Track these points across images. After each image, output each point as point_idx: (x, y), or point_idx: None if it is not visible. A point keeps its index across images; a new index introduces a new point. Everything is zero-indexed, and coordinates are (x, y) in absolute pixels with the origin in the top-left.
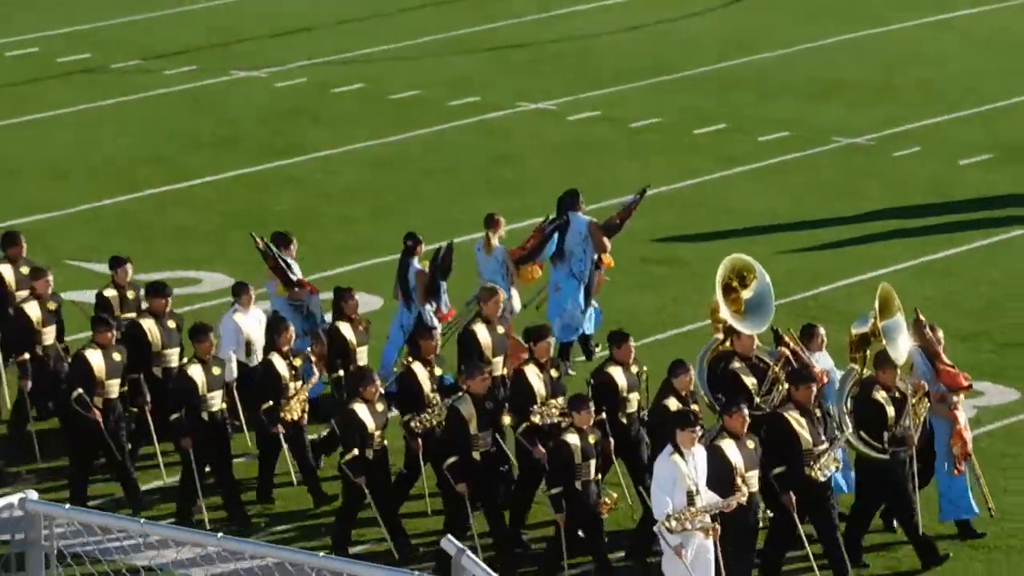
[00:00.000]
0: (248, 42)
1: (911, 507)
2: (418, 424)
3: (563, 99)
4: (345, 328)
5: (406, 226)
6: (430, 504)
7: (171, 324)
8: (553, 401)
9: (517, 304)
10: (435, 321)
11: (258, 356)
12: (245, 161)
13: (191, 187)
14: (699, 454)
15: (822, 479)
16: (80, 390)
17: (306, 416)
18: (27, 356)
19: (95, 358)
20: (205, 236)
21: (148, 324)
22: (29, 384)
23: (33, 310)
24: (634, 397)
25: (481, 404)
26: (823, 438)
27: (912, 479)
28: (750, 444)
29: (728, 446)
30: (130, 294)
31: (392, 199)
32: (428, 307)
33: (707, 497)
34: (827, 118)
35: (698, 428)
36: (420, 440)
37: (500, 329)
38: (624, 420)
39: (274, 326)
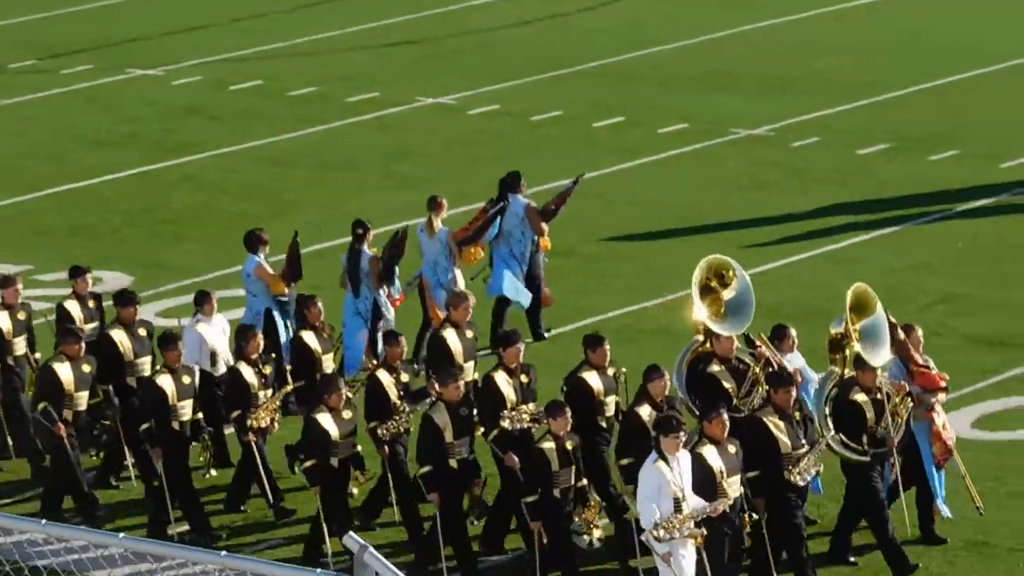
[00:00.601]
0: (144, 41)
1: (882, 511)
2: (384, 432)
3: (462, 94)
4: (309, 336)
5: (303, 222)
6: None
7: (141, 332)
8: (524, 407)
9: (461, 283)
10: (390, 307)
11: (223, 366)
12: (143, 159)
13: (89, 185)
14: (683, 459)
15: (802, 483)
16: (45, 403)
17: (275, 425)
18: None
19: (63, 371)
20: (103, 235)
21: (118, 335)
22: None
23: (3, 320)
24: (611, 400)
25: (456, 411)
26: (803, 441)
27: (895, 483)
28: (731, 449)
29: (709, 452)
30: (91, 303)
31: (290, 196)
32: (382, 292)
33: (693, 502)
34: (725, 109)
35: (682, 433)
36: (387, 448)
37: (469, 333)
38: (603, 424)
39: (242, 334)
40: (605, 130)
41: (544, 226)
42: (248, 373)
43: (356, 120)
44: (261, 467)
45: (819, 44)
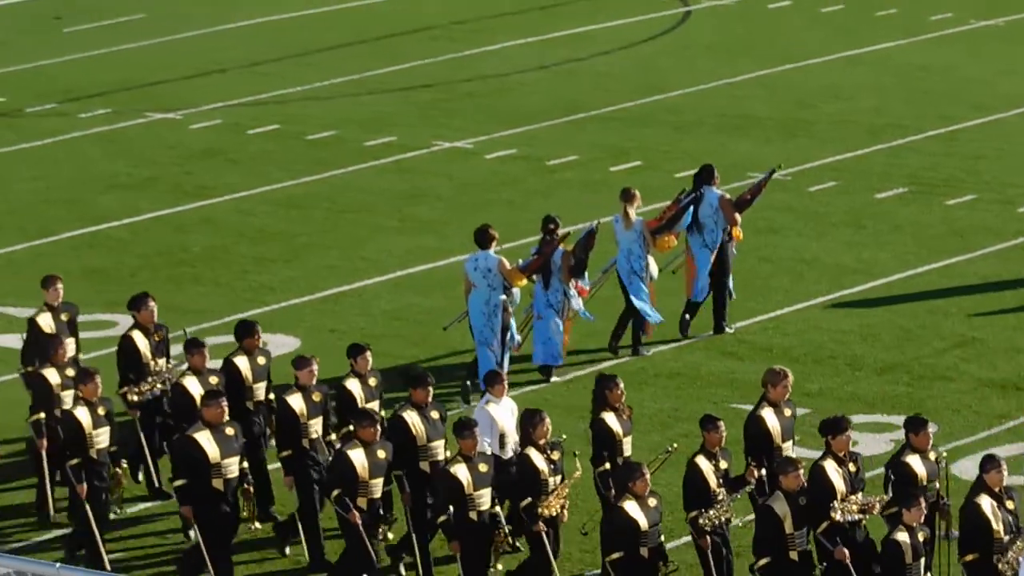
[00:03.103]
0: (162, 84)
1: None
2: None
3: (478, 138)
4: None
5: (320, 266)
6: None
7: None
8: (853, 497)
9: (655, 271)
10: (578, 298)
11: (511, 449)
12: (160, 203)
13: (106, 229)
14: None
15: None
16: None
17: (566, 513)
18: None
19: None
20: (120, 278)
21: (51, 375)
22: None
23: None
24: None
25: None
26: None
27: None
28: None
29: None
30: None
31: (306, 239)
32: (571, 284)
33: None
34: (741, 153)
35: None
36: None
37: (787, 412)
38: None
39: (529, 419)
40: (621, 174)
41: (737, 216)
42: (538, 459)
43: (373, 164)
44: (551, 554)
45: (834, 88)
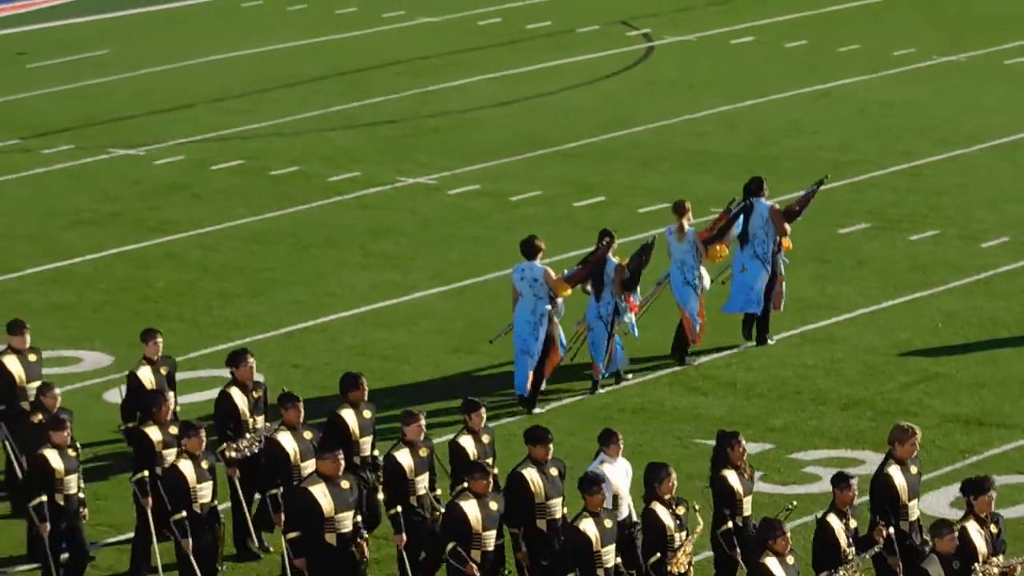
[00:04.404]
0: (127, 120)
1: None
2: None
3: (442, 173)
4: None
5: (285, 301)
6: None
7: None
8: (994, 559)
9: (707, 282)
10: (630, 311)
11: (626, 509)
12: (124, 238)
13: (70, 265)
14: None
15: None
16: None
17: (691, 570)
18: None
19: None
20: (84, 314)
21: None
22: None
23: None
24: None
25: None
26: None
27: None
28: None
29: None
30: (31, 357)
31: (270, 275)
32: (621, 298)
33: None
34: (705, 189)
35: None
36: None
37: (914, 469)
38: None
39: (654, 473)
40: (585, 209)
41: (787, 227)
42: (664, 514)
43: (337, 199)
44: None
45: (798, 124)
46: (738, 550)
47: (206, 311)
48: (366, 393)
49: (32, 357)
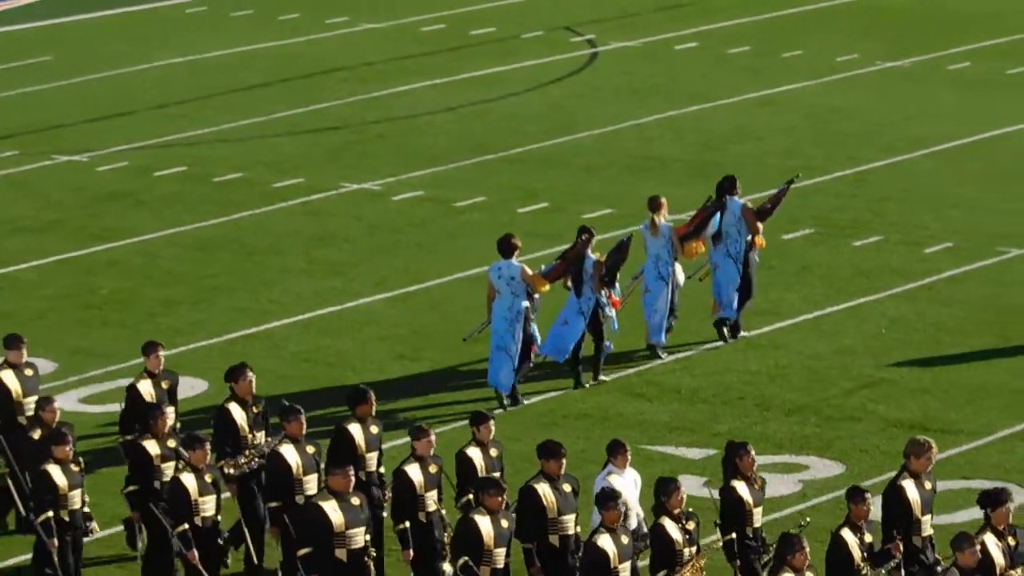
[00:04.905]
0: (69, 127)
1: None
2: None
3: (386, 179)
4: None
5: (228, 308)
6: None
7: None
8: (1013, 571)
9: (681, 278)
10: (611, 307)
11: (635, 520)
12: (67, 245)
13: (13, 272)
14: None
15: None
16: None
17: None
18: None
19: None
20: (26, 321)
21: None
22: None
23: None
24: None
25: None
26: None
27: None
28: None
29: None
30: (27, 372)
31: (214, 282)
32: (602, 293)
33: None
34: (649, 195)
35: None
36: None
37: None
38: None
39: (663, 487)
40: (529, 216)
41: (759, 225)
42: (672, 529)
43: (281, 206)
44: None
45: (743, 130)
46: (739, 562)
47: (149, 318)
48: (374, 408)
49: (28, 372)
